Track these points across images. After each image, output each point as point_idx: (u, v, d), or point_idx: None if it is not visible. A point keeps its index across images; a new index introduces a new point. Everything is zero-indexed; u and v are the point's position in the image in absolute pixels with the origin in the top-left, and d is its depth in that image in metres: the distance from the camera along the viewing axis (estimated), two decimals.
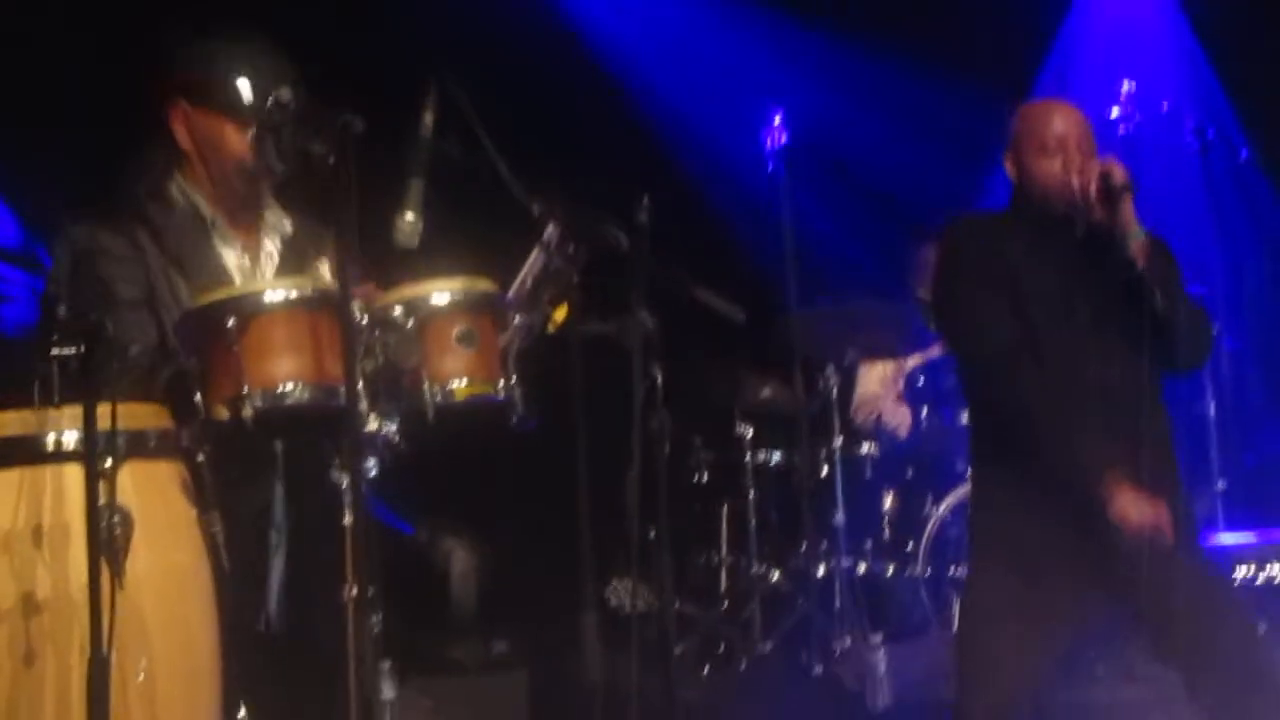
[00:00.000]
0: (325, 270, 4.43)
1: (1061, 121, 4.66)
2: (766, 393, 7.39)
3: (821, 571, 7.09)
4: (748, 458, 7.33)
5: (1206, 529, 6.61)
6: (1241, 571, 6.31)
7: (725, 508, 7.50)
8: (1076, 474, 4.44)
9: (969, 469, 5.52)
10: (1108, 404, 4.54)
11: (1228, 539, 6.63)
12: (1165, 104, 7.64)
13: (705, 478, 7.52)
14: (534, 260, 4.30)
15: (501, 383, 4.09)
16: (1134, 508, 4.37)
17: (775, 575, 7.32)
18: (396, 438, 3.99)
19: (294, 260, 4.49)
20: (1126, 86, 7.29)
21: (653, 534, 6.94)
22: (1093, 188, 4.49)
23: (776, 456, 7.44)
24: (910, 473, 7.47)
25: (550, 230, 4.26)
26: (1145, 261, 4.52)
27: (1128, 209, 4.49)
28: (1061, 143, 4.61)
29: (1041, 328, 4.59)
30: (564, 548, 4.86)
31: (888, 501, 7.42)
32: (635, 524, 5.12)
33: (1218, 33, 8.75)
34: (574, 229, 4.25)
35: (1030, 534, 4.52)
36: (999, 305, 4.60)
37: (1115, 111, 7.26)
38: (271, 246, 4.50)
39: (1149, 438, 4.51)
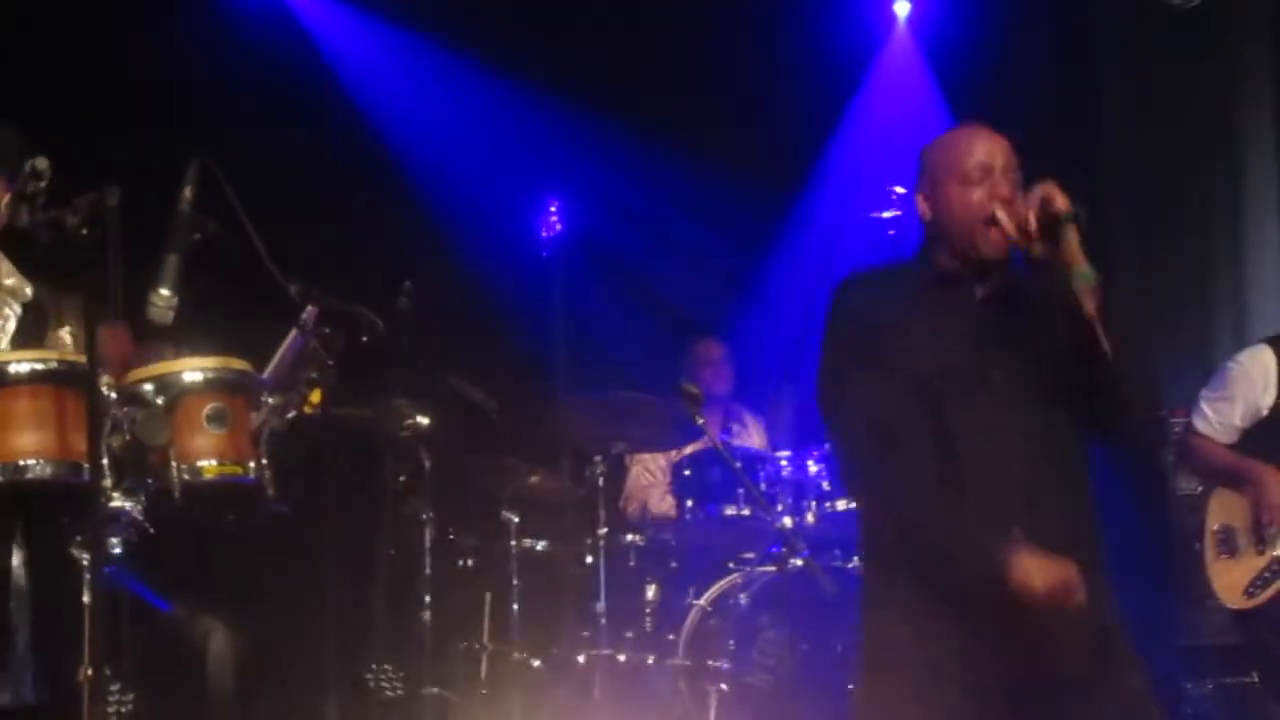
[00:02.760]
0: (66, 337, 4.38)
1: (984, 148, 3.99)
2: (534, 480, 7.39)
3: (582, 659, 7.08)
4: (513, 544, 7.31)
5: None
6: None
7: (489, 594, 7.46)
8: (968, 559, 3.81)
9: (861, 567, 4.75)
10: (1023, 488, 3.92)
11: None
12: None
13: (469, 563, 7.49)
14: (290, 342, 4.28)
15: (252, 464, 4.05)
16: (1037, 570, 3.77)
17: (536, 663, 7.29)
18: (141, 516, 3.94)
19: (33, 326, 4.43)
20: (898, 190, 7.43)
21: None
22: (1031, 218, 3.82)
23: (541, 544, 7.43)
24: (674, 564, 7.52)
25: (308, 312, 4.25)
26: (1097, 308, 3.84)
27: (1073, 243, 3.80)
28: (986, 171, 3.94)
29: (946, 398, 3.92)
30: (325, 629, 4.80)
31: (650, 592, 7.44)
32: (382, 607, 5.08)
33: None
34: (330, 312, 4.24)
35: (926, 650, 3.89)
36: (878, 385, 3.95)
37: (887, 214, 7.39)
38: (10, 311, 4.43)
39: (1071, 528, 3.95)
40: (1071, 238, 3.78)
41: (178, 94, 7.59)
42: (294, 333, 4.27)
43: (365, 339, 4.29)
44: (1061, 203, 3.78)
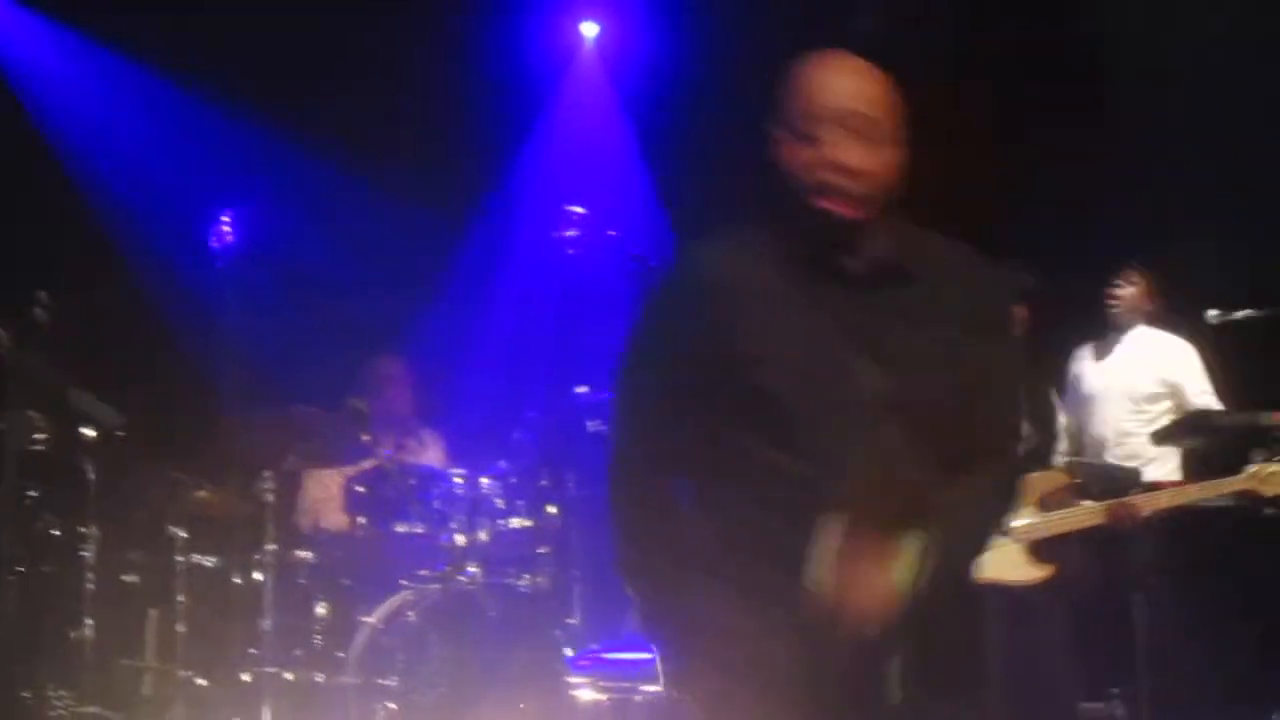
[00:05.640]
0: None
1: (833, 89, 3.15)
2: (202, 495, 7.26)
3: (249, 678, 6.97)
4: (179, 560, 7.16)
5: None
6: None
7: (153, 611, 7.31)
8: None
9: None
10: (896, 528, 3.11)
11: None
12: (612, 231, 7.88)
13: (134, 579, 7.32)
14: None
15: None
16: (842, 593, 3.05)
17: (202, 681, 7.16)
18: None
19: None
20: (578, 210, 7.45)
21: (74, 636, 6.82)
22: None
23: (210, 560, 7.31)
24: (346, 581, 7.45)
25: None
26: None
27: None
28: (830, 121, 3.13)
29: (798, 416, 3.11)
30: None
31: (321, 609, 7.36)
32: (12, 626, 4.93)
33: (671, 175, 9.14)
34: None
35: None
36: (685, 403, 3.19)
37: (569, 233, 7.40)
38: None
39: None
40: None
41: None
42: None
43: None
44: None
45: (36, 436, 6.36)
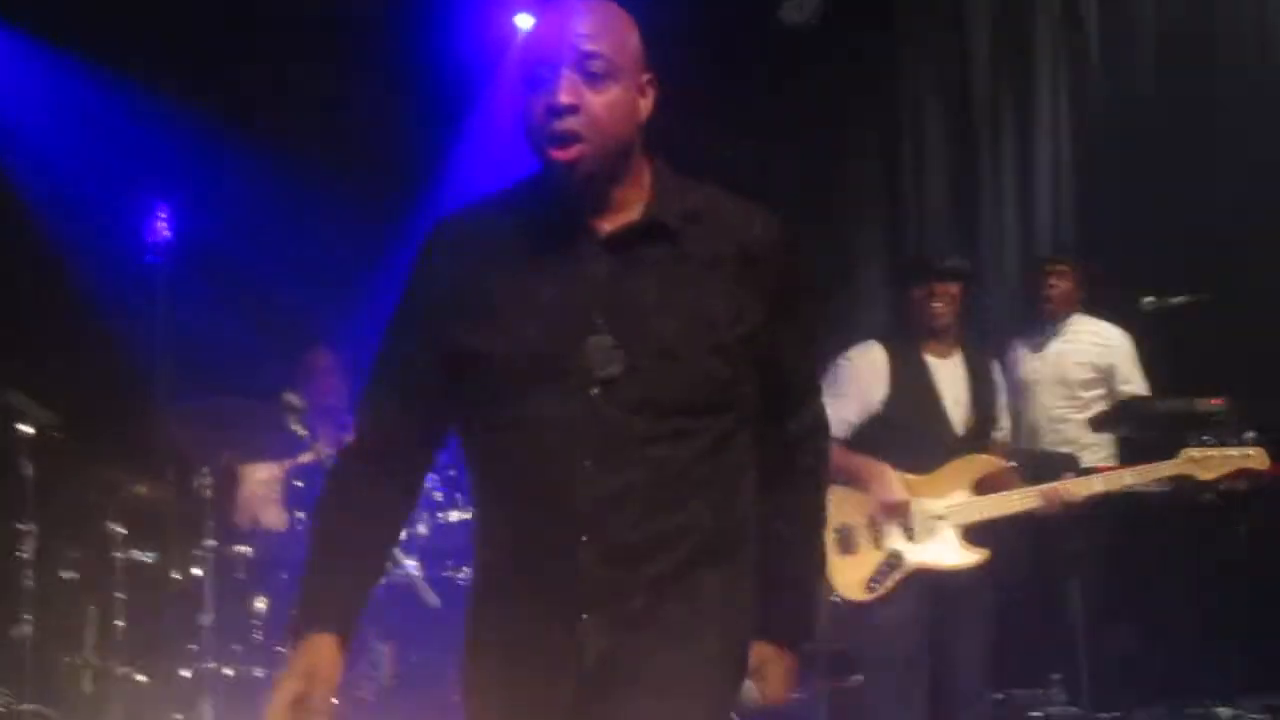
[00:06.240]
0: None
1: (543, 33, 2.98)
2: (140, 491, 7.23)
3: (189, 674, 6.94)
4: (118, 556, 7.13)
5: None
6: None
7: (92, 608, 7.27)
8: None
9: None
10: (607, 533, 2.94)
11: None
12: None
13: (73, 576, 7.29)
14: None
15: None
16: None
17: (142, 678, 7.13)
18: None
19: None
20: None
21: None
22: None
23: (149, 556, 7.28)
24: (285, 575, 7.42)
25: None
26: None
27: None
28: (542, 67, 2.94)
29: (527, 392, 2.95)
30: None
31: (260, 604, 7.33)
32: None
33: None
34: None
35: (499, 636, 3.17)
36: (411, 376, 3.06)
37: None
38: None
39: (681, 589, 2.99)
40: None
41: None
42: None
43: None
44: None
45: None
